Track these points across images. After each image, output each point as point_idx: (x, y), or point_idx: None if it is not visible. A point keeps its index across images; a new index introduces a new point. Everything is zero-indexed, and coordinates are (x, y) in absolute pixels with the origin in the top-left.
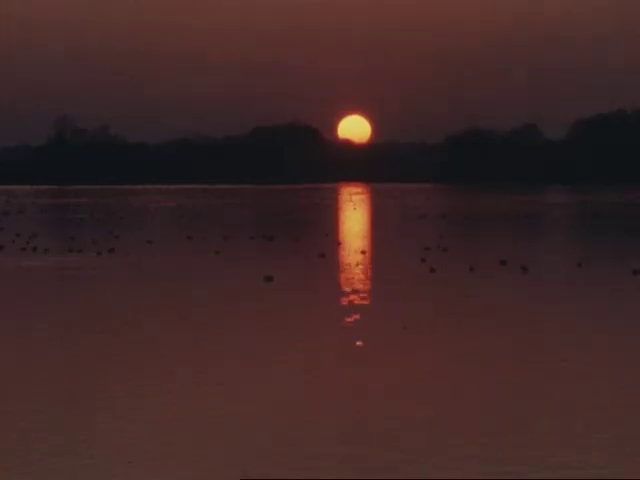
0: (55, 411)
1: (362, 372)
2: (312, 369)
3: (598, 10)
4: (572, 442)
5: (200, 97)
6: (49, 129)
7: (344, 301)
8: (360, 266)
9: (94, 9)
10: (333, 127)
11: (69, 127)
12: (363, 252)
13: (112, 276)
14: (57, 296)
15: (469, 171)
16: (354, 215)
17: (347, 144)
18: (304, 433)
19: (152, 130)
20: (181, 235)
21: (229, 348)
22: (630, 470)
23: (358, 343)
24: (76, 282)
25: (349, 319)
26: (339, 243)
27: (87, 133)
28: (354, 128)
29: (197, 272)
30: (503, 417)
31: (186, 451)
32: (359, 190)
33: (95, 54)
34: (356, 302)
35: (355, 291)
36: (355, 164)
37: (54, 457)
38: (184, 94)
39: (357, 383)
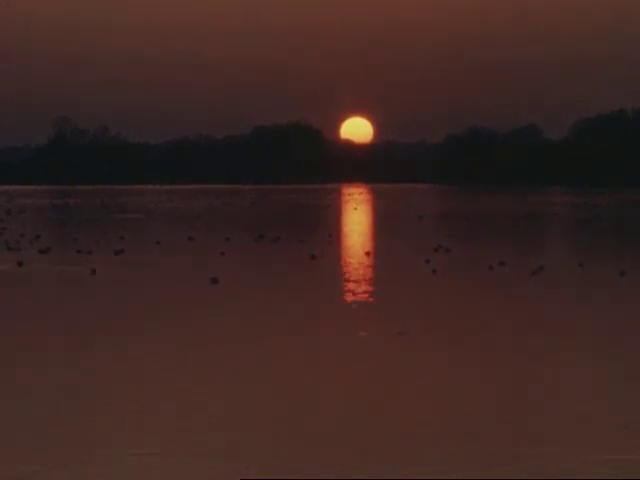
0: (53, 408)
1: (359, 375)
2: (307, 372)
3: (598, 8)
4: (572, 442)
5: (200, 97)
6: (49, 129)
7: (340, 302)
8: (361, 266)
9: (95, 9)
10: (335, 128)
11: (69, 127)
12: (367, 253)
13: (130, 278)
14: (76, 297)
15: (469, 171)
16: (355, 216)
17: (348, 145)
18: (303, 433)
19: (152, 130)
20: (182, 237)
21: (228, 350)
22: (630, 470)
23: (352, 346)
24: (95, 284)
25: (345, 321)
26: (342, 244)
27: (87, 133)
28: (356, 129)
29: (202, 272)
30: (502, 417)
31: (186, 451)
32: (360, 190)
33: (95, 54)
34: (354, 303)
35: (353, 292)
36: (356, 165)
37: (53, 458)
38: (184, 94)
39: (353, 386)
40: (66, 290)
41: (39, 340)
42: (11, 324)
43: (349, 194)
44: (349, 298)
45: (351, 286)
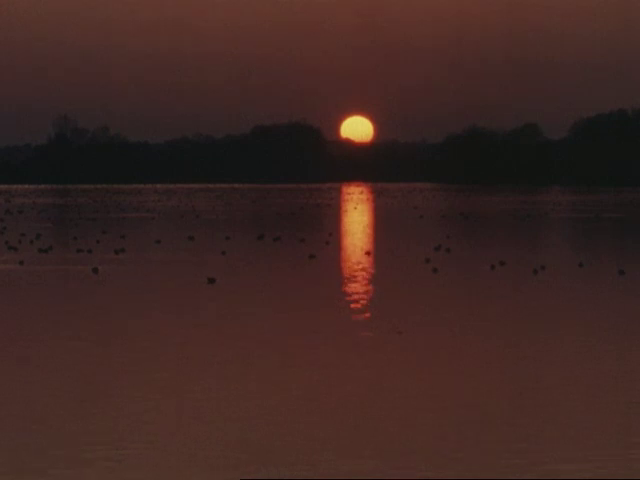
0: (53, 407)
1: (358, 375)
2: (307, 372)
3: (599, 9)
4: (571, 442)
5: (200, 97)
6: (49, 129)
7: (343, 304)
8: (362, 266)
9: (94, 9)
10: (335, 127)
11: (69, 127)
12: (368, 253)
13: (132, 277)
14: (84, 298)
15: (469, 171)
16: (355, 215)
17: (349, 144)
18: (303, 433)
19: (152, 130)
20: (182, 236)
21: (230, 350)
22: (630, 471)
23: (353, 346)
24: (98, 283)
25: (346, 322)
26: (342, 243)
27: (87, 133)
28: (357, 129)
29: (203, 272)
30: (502, 417)
31: (186, 452)
32: (360, 190)
33: (95, 54)
34: (355, 302)
35: (354, 291)
36: (356, 164)
37: (55, 457)
38: (184, 94)
39: (352, 385)
40: (70, 289)
41: (41, 339)
42: (17, 323)
43: (349, 193)
44: (350, 297)
45: (352, 285)
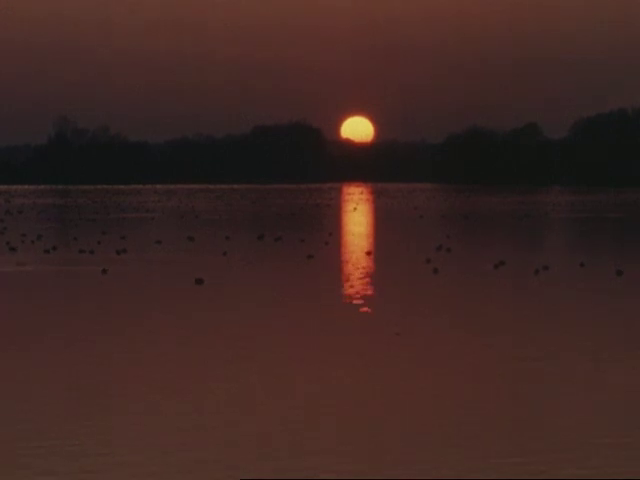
0: (59, 411)
1: (355, 377)
2: (305, 373)
3: (599, 9)
4: (571, 442)
5: (200, 96)
6: (49, 129)
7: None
8: (362, 266)
9: (94, 8)
10: (335, 127)
11: (69, 127)
12: (368, 253)
13: (139, 278)
14: (90, 298)
15: (469, 171)
16: (356, 215)
17: (349, 144)
18: (301, 433)
19: (152, 130)
20: (182, 236)
21: (229, 350)
22: (629, 471)
23: (350, 347)
24: (108, 283)
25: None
26: (342, 243)
27: (87, 133)
28: (357, 129)
29: (204, 273)
30: (501, 418)
31: (186, 452)
32: (361, 190)
33: (95, 54)
34: (355, 303)
35: (354, 292)
36: (357, 164)
37: (55, 457)
38: (184, 94)
39: (350, 387)
40: (84, 290)
41: (51, 340)
42: (18, 323)
43: (349, 194)
44: (350, 298)
45: (352, 286)
